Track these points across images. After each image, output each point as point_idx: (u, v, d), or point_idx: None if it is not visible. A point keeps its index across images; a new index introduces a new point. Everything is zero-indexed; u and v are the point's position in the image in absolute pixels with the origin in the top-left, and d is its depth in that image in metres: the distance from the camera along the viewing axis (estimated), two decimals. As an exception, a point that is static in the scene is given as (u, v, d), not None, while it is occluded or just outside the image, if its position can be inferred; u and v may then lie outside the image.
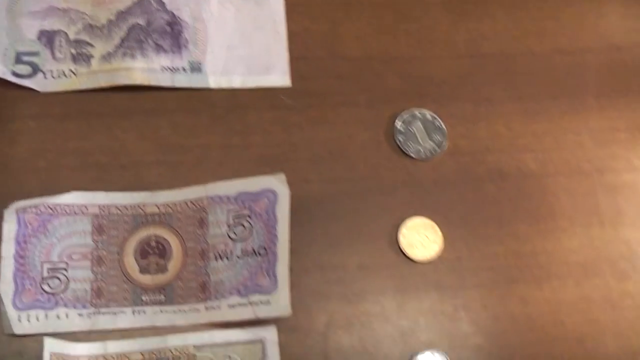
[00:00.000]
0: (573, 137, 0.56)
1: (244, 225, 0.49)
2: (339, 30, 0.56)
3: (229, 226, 0.50)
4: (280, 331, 0.50)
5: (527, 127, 0.56)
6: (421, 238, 0.52)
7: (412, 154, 0.53)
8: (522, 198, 0.54)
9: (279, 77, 0.55)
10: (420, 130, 0.54)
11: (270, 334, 0.49)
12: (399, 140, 0.53)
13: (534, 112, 0.56)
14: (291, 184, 0.51)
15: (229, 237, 0.49)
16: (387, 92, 0.55)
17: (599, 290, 0.53)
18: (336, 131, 0.54)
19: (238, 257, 0.49)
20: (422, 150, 0.54)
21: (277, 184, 0.50)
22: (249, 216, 0.49)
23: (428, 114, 0.54)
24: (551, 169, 0.55)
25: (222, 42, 0.55)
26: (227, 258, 0.49)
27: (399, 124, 0.54)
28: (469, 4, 0.59)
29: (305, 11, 0.56)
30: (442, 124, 0.54)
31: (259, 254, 0.49)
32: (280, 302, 0.48)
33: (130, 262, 0.49)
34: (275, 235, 0.49)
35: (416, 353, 0.50)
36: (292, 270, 0.50)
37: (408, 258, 0.52)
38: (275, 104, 0.54)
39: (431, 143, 0.54)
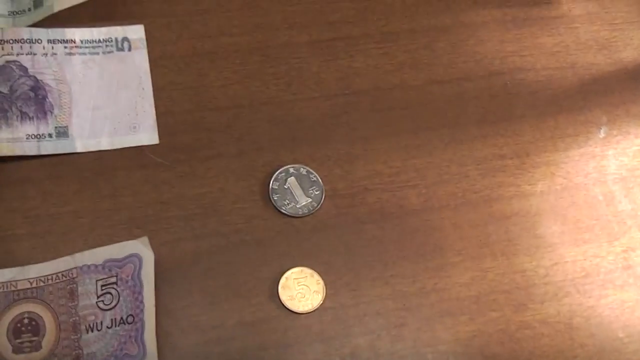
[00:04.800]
0: (457, 169, 0.52)
1: (111, 294, 0.45)
2: (205, 81, 0.53)
3: (97, 296, 0.46)
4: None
5: (407, 162, 0.52)
6: (302, 289, 0.48)
7: (288, 213, 0.49)
8: (407, 236, 0.50)
9: (147, 135, 0.51)
10: (295, 186, 0.50)
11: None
12: (274, 200, 0.49)
13: (414, 146, 0.52)
14: (164, 243, 0.47)
15: (98, 307, 0.45)
16: (259, 139, 0.51)
17: (496, 324, 0.49)
18: (207, 185, 0.50)
19: (108, 328, 0.45)
20: (298, 207, 0.50)
21: (141, 248, 0.46)
22: (115, 283, 0.45)
23: (303, 169, 0.50)
24: (435, 203, 0.51)
25: (88, 103, 0.51)
26: (97, 329, 0.45)
27: (273, 183, 0.50)
28: (338, 42, 0.55)
29: (170, 64, 0.53)
30: (318, 177, 0.50)
31: (127, 322, 0.45)
32: (149, 371, 0.43)
33: (3, 343, 0.45)
34: (142, 302, 0.45)
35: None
36: (169, 333, 0.46)
37: (289, 310, 0.47)
38: (144, 163, 0.50)
39: (307, 199, 0.50)
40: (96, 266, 0.46)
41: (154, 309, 0.45)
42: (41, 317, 0.46)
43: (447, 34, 0.57)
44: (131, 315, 0.45)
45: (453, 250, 0.51)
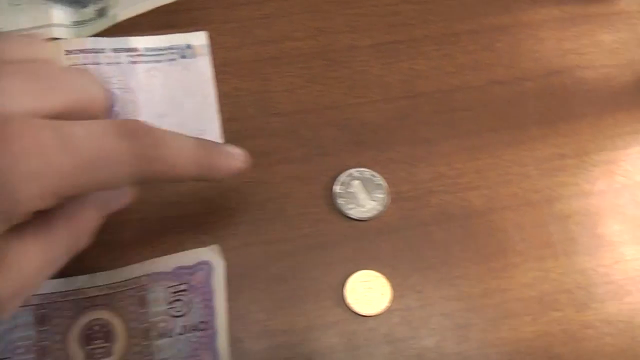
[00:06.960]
0: (518, 169, 0.51)
1: (182, 301, 0.45)
2: (269, 87, 0.52)
3: (168, 302, 0.45)
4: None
5: (470, 164, 0.51)
6: (368, 292, 0.47)
7: (353, 217, 0.48)
8: (470, 238, 0.49)
9: (212, 141, 0.50)
10: (360, 190, 0.49)
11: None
12: (339, 204, 0.48)
13: (476, 148, 0.51)
14: (232, 249, 0.47)
15: (169, 313, 0.45)
16: (323, 144, 0.50)
17: (559, 324, 0.48)
18: (273, 191, 0.50)
19: (179, 334, 0.45)
20: (363, 211, 0.48)
21: (212, 255, 0.46)
22: (186, 290, 0.45)
23: (367, 172, 0.49)
24: (497, 204, 0.50)
25: (153, 111, 0.51)
26: (169, 336, 0.45)
27: (337, 187, 0.48)
28: (399, 44, 0.54)
29: (233, 70, 0.52)
30: (382, 180, 0.49)
31: (199, 328, 0.45)
32: (223, 378, 0.43)
33: (75, 350, 0.45)
34: (213, 308, 0.45)
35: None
36: (239, 339, 0.46)
37: (356, 314, 0.47)
38: (210, 169, 0.49)
39: (372, 202, 0.49)
40: (166, 273, 0.46)
41: (226, 315, 0.45)
42: (111, 323, 0.45)
43: (507, 34, 0.55)
44: (203, 322, 0.45)
45: (515, 251, 0.50)
